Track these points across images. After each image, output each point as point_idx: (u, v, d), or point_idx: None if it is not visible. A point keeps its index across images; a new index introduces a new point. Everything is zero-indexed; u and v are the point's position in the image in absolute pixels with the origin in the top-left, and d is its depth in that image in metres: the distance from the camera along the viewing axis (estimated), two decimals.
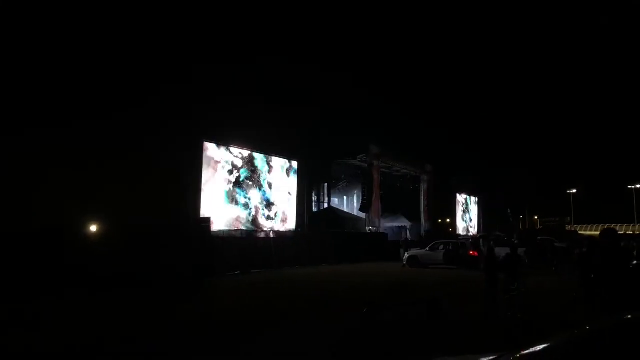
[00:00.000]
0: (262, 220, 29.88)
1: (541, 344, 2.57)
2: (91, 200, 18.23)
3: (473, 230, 55.97)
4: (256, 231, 28.82)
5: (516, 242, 27.62)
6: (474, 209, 59.79)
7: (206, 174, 26.12)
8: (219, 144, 27.20)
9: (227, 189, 27.60)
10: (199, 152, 25.74)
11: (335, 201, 42.62)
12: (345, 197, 45.14)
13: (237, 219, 27.95)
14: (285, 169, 32.47)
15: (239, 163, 28.68)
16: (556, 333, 2.79)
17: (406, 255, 26.11)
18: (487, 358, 2.74)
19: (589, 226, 64.71)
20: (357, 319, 4.83)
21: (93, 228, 16.62)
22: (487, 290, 10.30)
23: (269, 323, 10.00)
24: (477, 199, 59.72)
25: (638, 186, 63.64)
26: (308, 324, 9.87)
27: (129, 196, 19.82)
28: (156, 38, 24.52)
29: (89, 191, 18.55)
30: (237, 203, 28.16)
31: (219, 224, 25.54)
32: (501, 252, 13.92)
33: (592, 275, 7.79)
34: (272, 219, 30.81)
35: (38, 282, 13.68)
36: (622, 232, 38.01)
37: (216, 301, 13.55)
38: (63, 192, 17.80)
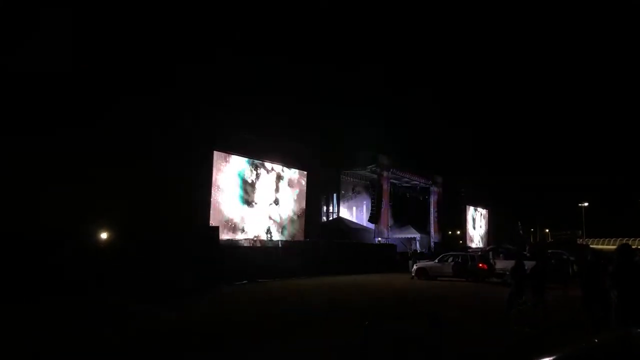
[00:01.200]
0: (270, 230, 29.82)
1: (546, 357, 2.50)
2: (97, 208, 18.26)
3: (482, 243, 55.43)
4: (264, 241, 28.75)
5: (528, 255, 27.28)
6: (483, 221, 59.30)
7: (215, 183, 26.18)
8: (228, 153, 27.30)
9: (236, 198, 27.63)
10: (209, 161, 25.85)
11: (344, 211, 42.47)
12: (354, 208, 44.94)
13: (245, 228, 27.93)
14: (295, 178, 32.48)
15: (249, 172, 28.75)
16: (562, 346, 2.70)
17: (414, 267, 25.88)
18: None
19: (601, 240, 63.79)
20: (361, 332, 4.73)
21: (101, 236, 16.67)
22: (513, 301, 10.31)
23: (273, 335, 9.90)
24: (487, 211, 59.25)
25: None
26: (312, 335, 9.76)
27: (138, 205, 19.87)
28: (165, 46, 24.78)
29: (94, 200, 18.60)
30: (245, 211, 28.16)
31: (226, 233, 25.54)
32: (508, 265, 13.76)
33: (594, 291, 7.67)
34: (281, 228, 30.75)
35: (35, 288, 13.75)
36: (634, 247, 37.37)
37: (215, 312, 13.47)
38: (70, 200, 17.87)
